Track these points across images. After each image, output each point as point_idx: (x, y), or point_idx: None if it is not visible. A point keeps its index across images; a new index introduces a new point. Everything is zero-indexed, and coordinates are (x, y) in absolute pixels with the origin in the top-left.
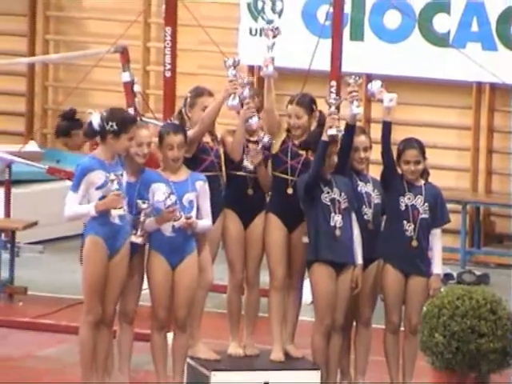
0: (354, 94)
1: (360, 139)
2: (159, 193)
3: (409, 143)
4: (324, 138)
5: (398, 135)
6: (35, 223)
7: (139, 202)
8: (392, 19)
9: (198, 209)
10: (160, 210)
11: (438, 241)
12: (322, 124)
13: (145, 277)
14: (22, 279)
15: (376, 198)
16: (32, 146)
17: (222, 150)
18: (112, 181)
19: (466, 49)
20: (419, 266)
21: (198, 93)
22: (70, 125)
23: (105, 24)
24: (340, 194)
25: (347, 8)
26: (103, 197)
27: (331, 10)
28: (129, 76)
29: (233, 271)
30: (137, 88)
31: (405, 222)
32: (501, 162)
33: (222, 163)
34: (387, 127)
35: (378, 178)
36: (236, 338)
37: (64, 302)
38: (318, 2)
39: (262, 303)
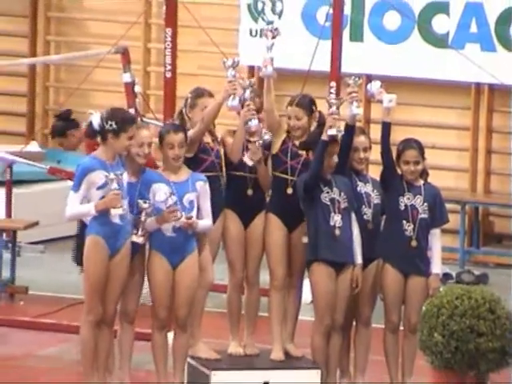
0: (354, 94)
1: (360, 139)
2: (160, 193)
3: (408, 144)
4: (324, 137)
5: (397, 136)
6: (36, 223)
7: (140, 201)
8: (391, 20)
9: (198, 209)
10: (161, 209)
11: (437, 241)
12: (321, 124)
13: (145, 276)
14: (23, 279)
15: (375, 198)
16: (33, 147)
17: (222, 151)
18: (111, 180)
19: (464, 50)
20: (418, 266)
21: (199, 94)
22: (65, 125)
23: (106, 25)
24: (340, 194)
25: (347, 9)
26: (104, 197)
27: (331, 11)
28: (129, 77)
29: (233, 271)
30: (137, 89)
31: (404, 221)
32: (500, 162)
33: (223, 163)
34: (387, 128)
35: (378, 178)
36: (236, 337)
37: (65, 302)
38: (318, 3)
39: (262, 303)
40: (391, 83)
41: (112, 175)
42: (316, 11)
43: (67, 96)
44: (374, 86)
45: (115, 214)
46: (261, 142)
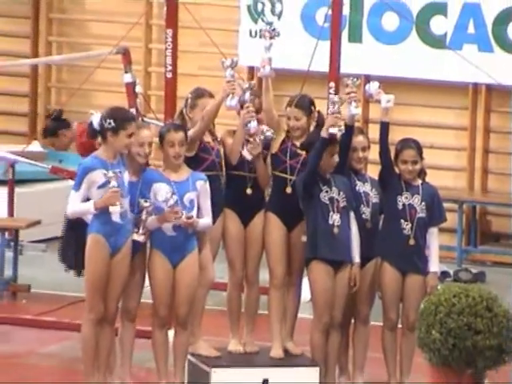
0: (353, 94)
1: (358, 139)
2: (161, 192)
3: (406, 143)
4: (323, 134)
5: (395, 135)
6: (38, 222)
7: (141, 200)
8: (390, 21)
9: (198, 208)
10: (162, 209)
11: (434, 239)
12: (320, 124)
13: (146, 275)
14: (25, 277)
15: (374, 198)
16: (35, 146)
17: (222, 151)
18: (110, 178)
19: (462, 50)
20: (416, 264)
21: (199, 94)
22: (57, 125)
23: (107, 26)
24: (339, 193)
25: (345, 10)
26: None
27: (330, 12)
28: (130, 77)
29: (233, 270)
30: (138, 89)
31: (402, 220)
32: (497, 161)
33: (223, 163)
34: (385, 127)
35: (376, 177)
36: (236, 335)
37: (66, 300)
38: (317, 4)
39: (262, 301)
40: (389, 83)
41: (110, 173)
42: (315, 12)
43: (69, 96)
44: (373, 87)
45: (113, 211)
46: (262, 137)
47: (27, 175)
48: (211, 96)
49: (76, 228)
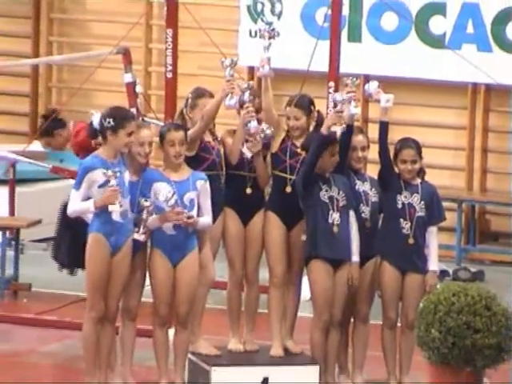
0: (352, 94)
1: (358, 139)
2: (163, 192)
3: (406, 143)
4: (323, 131)
5: (394, 135)
6: (39, 221)
7: (142, 200)
8: (389, 21)
9: (198, 207)
10: (162, 208)
11: (434, 238)
12: (320, 124)
13: (147, 274)
14: (26, 276)
15: (373, 197)
16: (36, 146)
17: (222, 150)
18: (109, 177)
19: (461, 50)
20: (416, 263)
21: (199, 94)
22: (52, 125)
23: (107, 26)
24: (338, 193)
25: (345, 10)
26: None
27: (329, 12)
28: (131, 77)
29: (233, 269)
30: (139, 89)
31: (401, 219)
32: (496, 161)
33: (223, 162)
34: (384, 127)
35: (376, 176)
36: (236, 334)
37: (67, 299)
38: (317, 4)
39: (262, 300)
40: (389, 83)
41: (110, 172)
42: (315, 12)
43: (69, 96)
44: (372, 86)
45: (113, 210)
46: (262, 135)
47: (28, 175)
48: (211, 96)
49: (69, 227)
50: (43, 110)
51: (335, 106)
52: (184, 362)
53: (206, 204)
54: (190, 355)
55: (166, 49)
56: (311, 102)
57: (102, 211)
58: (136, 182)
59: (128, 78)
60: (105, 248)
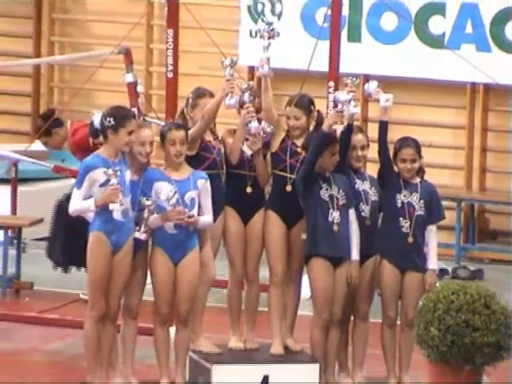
0: (352, 94)
1: (358, 138)
2: (164, 191)
3: (405, 142)
4: (325, 128)
5: (394, 134)
6: (41, 220)
7: (143, 199)
8: (388, 21)
9: (199, 206)
10: (163, 207)
11: (433, 237)
12: (320, 124)
13: (148, 272)
14: (28, 275)
15: (373, 196)
16: (38, 146)
17: (223, 149)
18: (110, 175)
19: (460, 50)
20: (415, 262)
21: (200, 94)
22: (50, 124)
23: (109, 26)
24: (338, 191)
25: (345, 10)
26: None
27: (329, 12)
28: (132, 77)
29: (233, 267)
30: (140, 88)
31: (401, 218)
32: (495, 160)
33: (223, 161)
34: (384, 126)
35: (375, 175)
36: (236, 332)
37: (69, 297)
38: (317, 4)
39: (262, 298)
40: (388, 83)
41: (110, 171)
42: (315, 12)
43: (71, 96)
44: (372, 86)
45: (113, 208)
46: (262, 133)
47: (30, 174)
48: (212, 96)
49: (63, 225)
50: (45, 109)
51: (336, 105)
52: (185, 360)
53: (207, 203)
54: (190, 353)
55: (167, 49)
56: (311, 102)
57: (103, 210)
58: (137, 181)
59: (129, 77)
60: (106, 247)
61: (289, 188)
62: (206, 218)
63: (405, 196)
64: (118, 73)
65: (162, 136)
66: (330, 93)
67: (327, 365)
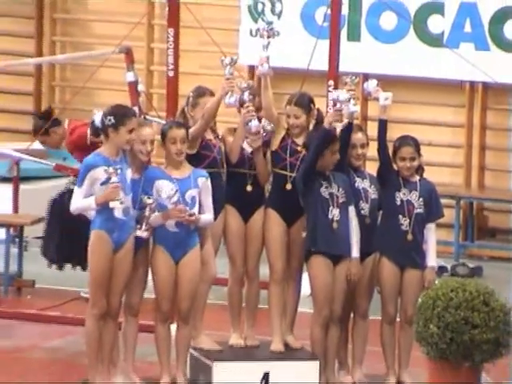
0: (351, 92)
1: (357, 136)
2: (165, 189)
3: (404, 140)
4: (326, 125)
5: (393, 133)
6: (43, 218)
7: (144, 197)
8: (388, 20)
9: (200, 204)
10: (164, 206)
11: (432, 234)
12: (320, 122)
13: (149, 270)
14: (29, 273)
15: (373, 194)
16: (39, 144)
17: (223, 148)
18: (110, 173)
19: (459, 49)
20: (414, 259)
21: (200, 93)
22: (47, 123)
23: (110, 26)
24: (338, 189)
25: (344, 10)
26: None
27: (329, 11)
28: (133, 76)
29: (234, 265)
30: (141, 87)
31: (400, 216)
32: (493, 158)
33: (224, 160)
34: (383, 125)
35: (375, 174)
36: (237, 329)
37: (70, 295)
38: (317, 3)
39: (262, 296)
40: (387, 82)
41: (111, 169)
42: (314, 12)
43: (72, 95)
44: (371, 85)
45: (114, 206)
46: (262, 130)
47: (32, 172)
48: (212, 95)
49: (58, 223)
50: (43, 109)
51: (335, 104)
52: (186, 358)
53: (208, 201)
54: (191, 350)
55: (168, 48)
56: (311, 101)
57: (104, 208)
58: (138, 179)
59: (130, 76)
60: (107, 245)
61: (289, 186)
62: (207, 216)
63: (404, 194)
64: (119, 72)
65: (163, 134)
66: (329, 91)
67: (327, 362)
